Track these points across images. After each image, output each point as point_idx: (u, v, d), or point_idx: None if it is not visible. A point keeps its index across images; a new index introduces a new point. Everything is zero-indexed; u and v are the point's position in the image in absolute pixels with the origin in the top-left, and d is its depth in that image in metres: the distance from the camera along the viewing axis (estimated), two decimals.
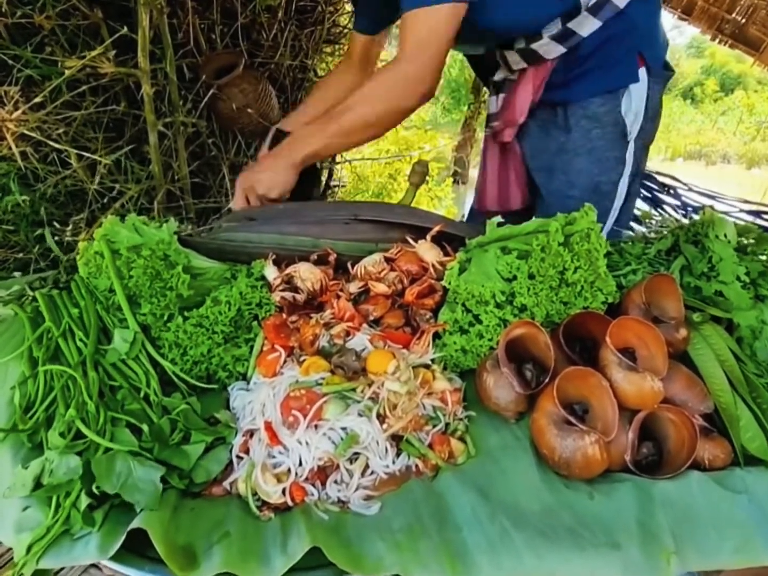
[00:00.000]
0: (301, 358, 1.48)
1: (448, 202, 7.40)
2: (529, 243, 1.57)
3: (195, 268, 1.64)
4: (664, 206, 3.51)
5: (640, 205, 3.57)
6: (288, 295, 1.62)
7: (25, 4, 2.65)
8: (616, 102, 2.32)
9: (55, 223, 2.88)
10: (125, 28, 2.65)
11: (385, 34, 2.77)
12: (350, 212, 1.93)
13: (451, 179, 9.37)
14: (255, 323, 1.62)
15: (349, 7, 4.26)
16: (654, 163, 16.22)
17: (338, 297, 1.64)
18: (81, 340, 1.45)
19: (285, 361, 1.49)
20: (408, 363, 1.43)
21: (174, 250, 1.59)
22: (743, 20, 4.19)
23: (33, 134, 2.70)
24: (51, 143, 2.75)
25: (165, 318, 1.52)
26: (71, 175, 2.95)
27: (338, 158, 4.92)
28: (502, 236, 1.69)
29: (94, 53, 2.61)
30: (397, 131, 6.18)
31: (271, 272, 1.69)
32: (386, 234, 1.90)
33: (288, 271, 1.67)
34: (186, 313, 1.53)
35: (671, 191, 3.52)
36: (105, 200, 3.11)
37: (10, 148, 2.63)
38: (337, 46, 4.44)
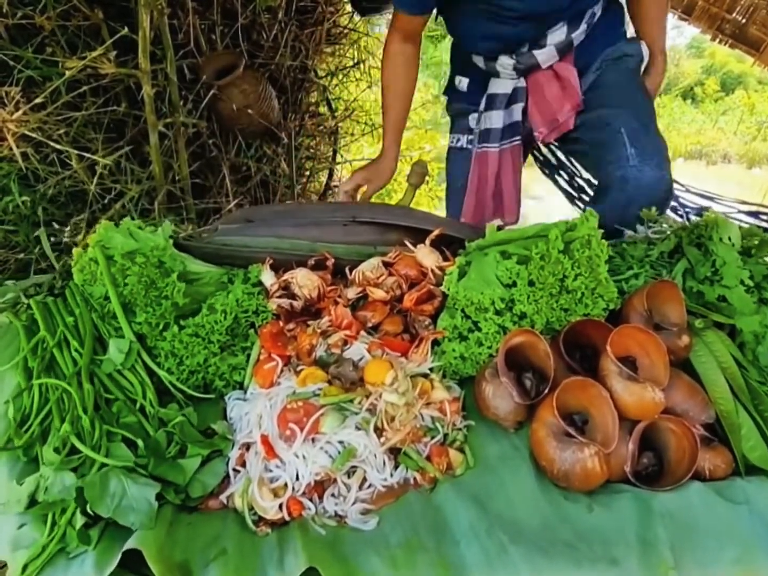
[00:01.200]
0: (299, 368, 1.45)
1: None
2: (529, 248, 1.54)
3: (191, 273, 1.62)
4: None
5: None
6: (285, 302, 1.59)
7: (25, 5, 2.62)
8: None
9: (56, 224, 2.85)
10: (126, 29, 2.62)
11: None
12: (348, 214, 1.90)
13: None
14: (252, 331, 1.60)
15: (349, 8, 4.23)
16: None
17: (336, 303, 1.61)
18: (76, 350, 1.42)
19: (282, 371, 1.47)
20: (406, 373, 1.40)
21: (169, 256, 1.57)
22: (743, 20, 4.16)
23: (34, 135, 2.66)
24: (52, 144, 2.73)
25: (161, 327, 1.50)
26: (72, 175, 2.93)
27: (338, 158, 4.88)
28: (502, 240, 1.66)
29: (94, 54, 2.59)
30: None
31: (268, 278, 1.67)
32: (385, 236, 1.87)
33: (285, 277, 1.65)
34: (182, 322, 1.51)
35: None
36: (105, 201, 3.07)
37: (10, 149, 2.61)
38: (337, 47, 4.41)
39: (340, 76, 4.53)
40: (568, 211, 3.83)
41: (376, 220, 1.88)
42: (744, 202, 3.09)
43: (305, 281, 1.62)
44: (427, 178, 2.63)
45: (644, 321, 1.51)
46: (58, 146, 2.74)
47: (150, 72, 2.80)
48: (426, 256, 1.72)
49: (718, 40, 4.29)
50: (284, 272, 1.68)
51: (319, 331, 1.52)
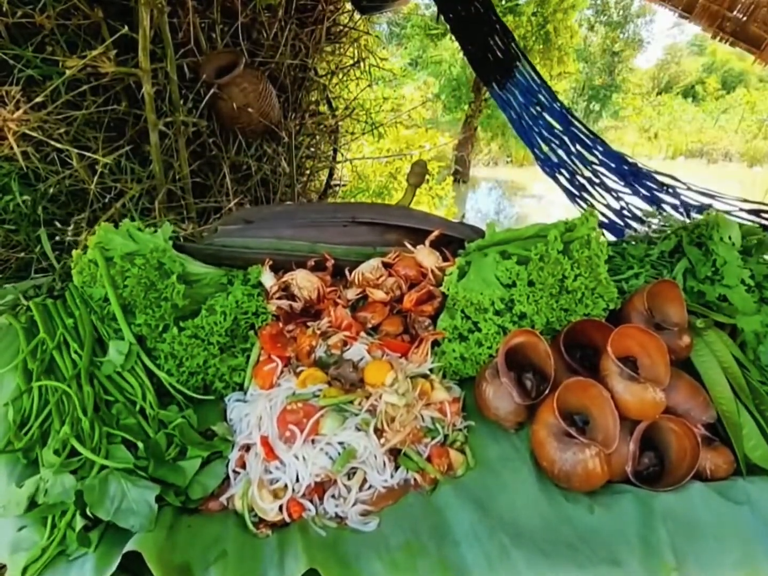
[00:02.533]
0: (298, 369, 1.44)
1: (448, 200, 7.38)
2: (528, 249, 1.54)
3: (191, 275, 1.61)
4: (663, 205, 3.49)
5: (641, 205, 3.58)
6: (284, 303, 1.58)
7: (25, 4, 2.61)
8: None
9: (57, 223, 2.86)
10: (126, 28, 2.64)
11: None
12: (348, 214, 1.90)
13: (452, 178, 9.36)
14: (251, 332, 1.58)
15: (349, 6, 4.23)
16: (655, 161, 16.18)
17: (336, 305, 1.61)
18: (76, 351, 1.42)
19: (282, 372, 1.46)
20: (406, 374, 1.40)
21: (168, 258, 1.56)
22: (744, 18, 4.10)
23: (34, 134, 2.67)
24: (52, 143, 2.73)
25: (160, 329, 1.49)
26: (72, 174, 2.93)
27: (339, 157, 4.89)
28: (501, 240, 1.65)
29: (94, 53, 2.61)
30: (398, 130, 6.20)
31: (268, 279, 1.66)
32: (384, 236, 1.87)
33: (285, 278, 1.64)
34: (182, 323, 1.50)
35: (670, 190, 3.51)
36: (106, 200, 3.06)
37: (11, 148, 2.61)
38: (337, 45, 4.40)
39: (340, 75, 4.52)
40: (567, 209, 3.85)
41: (375, 221, 1.87)
42: (745, 201, 3.09)
43: (305, 282, 1.61)
44: (427, 177, 2.60)
45: (645, 321, 1.51)
46: (58, 145, 2.74)
47: (150, 71, 2.81)
48: (426, 256, 1.72)
49: (718, 38, 4.23)
50: (284, 273, 1.67)
51: (318, 332, 1.51)
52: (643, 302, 1.51)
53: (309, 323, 1.57)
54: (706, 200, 3.33)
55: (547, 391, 1.37)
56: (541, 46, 11.65)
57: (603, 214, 3.67)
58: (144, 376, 1.44)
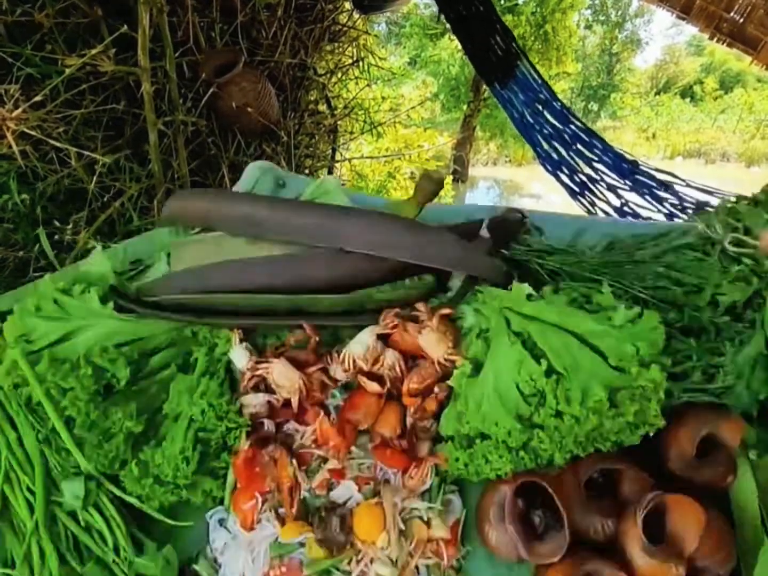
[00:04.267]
0: (280, 510, 1.12)
1: (447, 200, 7.18)
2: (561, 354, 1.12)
3: (141, 355, 1.24)
4: (663, 203, 3.43)
5: (641, 202, 3.53)
6: (262, 402, 1.22)
7: (24, 2, 2.51)
8: None
9: (55, 222, 2.76)
10: (125, 27, 2.54)
11: None
12: (336, 241, 1.33)
13: (451, 177, 9.15)
14: (224, 454, 1.22)
15: (348, 5, 4.05)
16: (653, 162, 15.76)
17: (320, 413, 1.24)
18: (29, 488, 1.07)
19: (263, 506, 1.14)
20: (400, 527, 1.08)
21: (109, 360, 1.16)
22: (741, 19, 3.92)
23: (33, 133, 2.56)
24: (51, 142, 2.62)
25: (116, 466, 1.13)
26: (71, 173, 2.82)
27: (338, 157, 4.70)
28: (532, 314, 1.20)
29: (94, 51, 2.50)
30: (397, 129, 5.90)
31: (240, 357, 1.26)
32: (380, 264, 1.34)
33: (260, 371, 1.25)
34: (141, 457, 1.13)
35: (669, 188, 3.43)
36: (105, 199, 2.96)
37: (10, 147, 2.51)
38: (336, 45, 4.24)
39: (339, 74, 4.40)
40: (566, 210, 3.74)
41: (369, 252, 1.34)
42: (743, 197, 2.95)
43: (283, 380, 1.23)
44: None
45: (686, 465, 1.15)
46: (57, 144, 2.62)
47: (149, 70, 2.68)
48: (433, 345, 1.25)
49: (716, 39, 4.10)
50: (257, 352, 1.31)
51: (302, 471, 1.18)
52: (691, 442, 1.13)
53: (289, 441, 1.23)
54: (705, 197, 3.26)
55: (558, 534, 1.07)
56: (540, 46, 11.30)
57: (604, 212, 3.64)
58: (111, 508, 1.10)
